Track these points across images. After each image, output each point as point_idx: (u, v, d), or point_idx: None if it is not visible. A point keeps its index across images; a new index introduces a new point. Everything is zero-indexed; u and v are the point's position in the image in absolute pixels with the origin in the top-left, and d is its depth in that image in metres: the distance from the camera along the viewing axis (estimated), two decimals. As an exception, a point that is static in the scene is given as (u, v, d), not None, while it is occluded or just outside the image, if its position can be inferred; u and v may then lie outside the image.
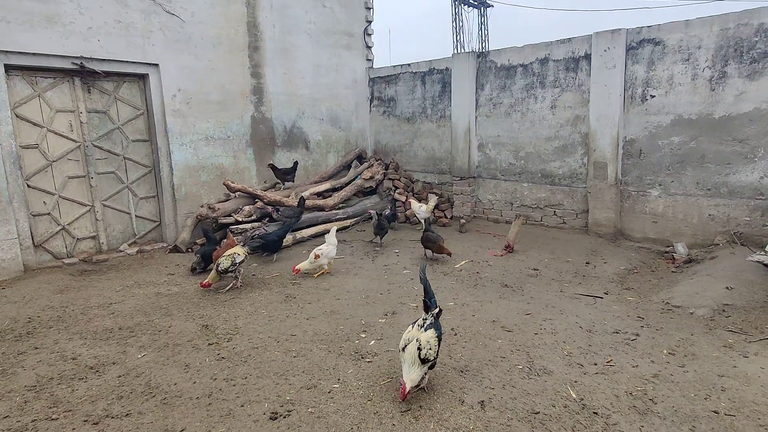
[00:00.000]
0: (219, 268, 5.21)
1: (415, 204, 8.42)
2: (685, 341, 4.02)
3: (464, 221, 8.29)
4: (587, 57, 7.09)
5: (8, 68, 5.92)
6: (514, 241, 6.84)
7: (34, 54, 6.00)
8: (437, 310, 3.44)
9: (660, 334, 4.16)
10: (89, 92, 6.69)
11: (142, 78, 7.13)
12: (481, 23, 29.83)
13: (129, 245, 7.22)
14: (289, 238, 7.38)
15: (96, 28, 6.43)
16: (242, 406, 3.21)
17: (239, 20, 7.96)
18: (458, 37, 27.32)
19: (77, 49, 6.30)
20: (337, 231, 6.71)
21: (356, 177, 9.35)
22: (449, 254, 6.34)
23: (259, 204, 7.57)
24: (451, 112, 8.84)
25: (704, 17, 6.09)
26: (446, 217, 8.83)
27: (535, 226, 7.98)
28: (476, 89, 8.49)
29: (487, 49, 30.81)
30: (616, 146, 6.91)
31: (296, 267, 5.82)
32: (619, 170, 6.99)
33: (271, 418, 3.07)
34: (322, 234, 7.87)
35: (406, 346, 3.24)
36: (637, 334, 4.16)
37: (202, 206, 7.28)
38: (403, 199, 9.13)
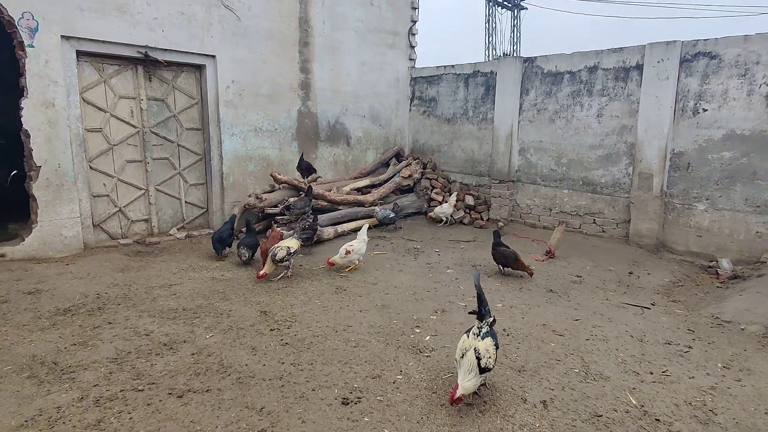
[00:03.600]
0: (275, 258, 5.40)
1: (436, 208, 8.70)
2: (739, 356, 4.06)
3: (502, 224, 8.36)
4: (638, 67, 7.09)
5: (79, 54, 6.18)
6: (555, 247, 6.90)
7: (103, 41, 6.25)
8: (492, 318, 3.49)
9: (712, 348, 4.21)
10: (150, 80, 6.93)
11: (199, 68, 7.36)
12: (514, 25, 29.65)
13: (178, 230, 7.47)
14: (330, 231, 7.55)
15: (161, 18, 6.66)
16: (313, 390, 3.38)
17: (292, 15, 8.13)
18: (491, 39, 27.21)
19: (142, 39, 6.54)
20: (372, 228, 6.75)
21: (395, 175, 9.48)
22: (530, 273, 5.83)
23: (303, 196, 7.75)
24: (493, 115, 8.90)
25: (765, 33, 6.05)
26: (482, 219, 8.91)
27: (573, 233, 8.01)
28: (521, 94, 8.53)
29: (518, 52, 30.60)
30: (664, 158, 6.91)
31: (330, 260, 5.95)
32: (665, 182, 6.99)
33: (343, 403, 3.22)
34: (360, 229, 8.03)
35: (464, 354, 3.22)
36: (690, 347, 4.21)
37: (249, 195, 7.49)
38: (440, 199, 9.25)
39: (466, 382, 3.13)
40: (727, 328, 4.63)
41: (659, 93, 6.83)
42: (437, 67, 9.87)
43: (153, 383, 3.38)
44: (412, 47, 10.21)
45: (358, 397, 3.30)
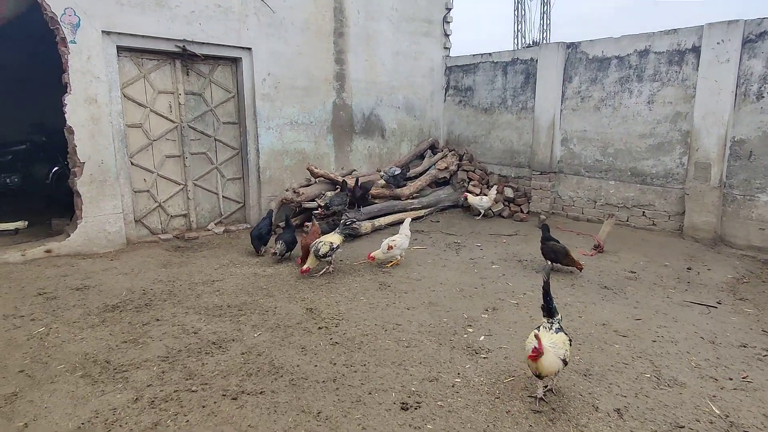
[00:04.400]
0: (318, 253, 5.28)
1: (473, 198, 8.40)
2: (826, 361, 3.72)
3: (543, 217, 8.05)
4: (695, 50, 6.65)
5: (120, 50, 6.17)
6: (604, 241, 6.57)
7: (143, 36, 6.22)
8: (559, 316, 3.33)
9: (794, 352, 3.88)
10: (187, 75, 6.89)
11: (235, 62, 7.28)
12: (543, 12, 28.78)
13: (215, 224, 7.46)
14: (368, 225, 7.41)
15: (198, 11, 6.59)
16: (369, 393, 3.23)
17: (327, 5, 7.96)
18: (520, 27, 26.48)
19: (180, 32, 6.49)
20: (411, 221, 6.59)
21: (430, 167, 9.26)
22: (580, 269, 5.55)
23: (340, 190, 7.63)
24: (534, 104, 8.56)
25: (843, 8, 5.55)
26: (523, 212, 8.61)
27: (620, 226, 7.64)
28: (563, 81, 8.16)
29: (548, 40, 29.69)
30: (723, 146, 6.48)
31: (371, 254, 5.79)
32: (724, 172, 6.56)
33: (402, 409, 3.07)
34: (398, 223, 7.85)
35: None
36: (768, 350, 3.90)
37: (287, 190, 7.41)
38: (478, 191, 8.97)
39: (554, 352, 2.99)
40: (806, 329, 4.27)
41: (719, 77, 6.39)
42: (473, 55, 9.56)
43: (206, 384, 3.30)
44: (447, 35, 9.92)
45: (417, 402, 3.14)
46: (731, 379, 3.46)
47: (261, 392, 3.22)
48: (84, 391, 3.19)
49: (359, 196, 7.42)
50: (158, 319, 4.29)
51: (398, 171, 8.18)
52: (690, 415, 3.04)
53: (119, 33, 6.05)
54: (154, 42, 6.35)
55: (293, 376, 3.42)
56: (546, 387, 3.21)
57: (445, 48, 9.96)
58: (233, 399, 3.13)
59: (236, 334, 4.06)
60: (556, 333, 3.20)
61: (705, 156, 6.63)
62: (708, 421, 2.99)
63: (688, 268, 5.91)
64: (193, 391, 3.21)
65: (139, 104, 6.54)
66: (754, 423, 2.97)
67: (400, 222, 7.72)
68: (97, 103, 5.93)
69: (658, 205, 7.32)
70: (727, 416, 3.04)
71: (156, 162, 6.81)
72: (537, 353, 2.93)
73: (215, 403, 3.09)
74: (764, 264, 6.09)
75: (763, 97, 6.16)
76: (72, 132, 5.84)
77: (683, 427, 2.93)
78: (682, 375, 3.52)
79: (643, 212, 7.50)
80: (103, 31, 5.90)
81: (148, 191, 6.78)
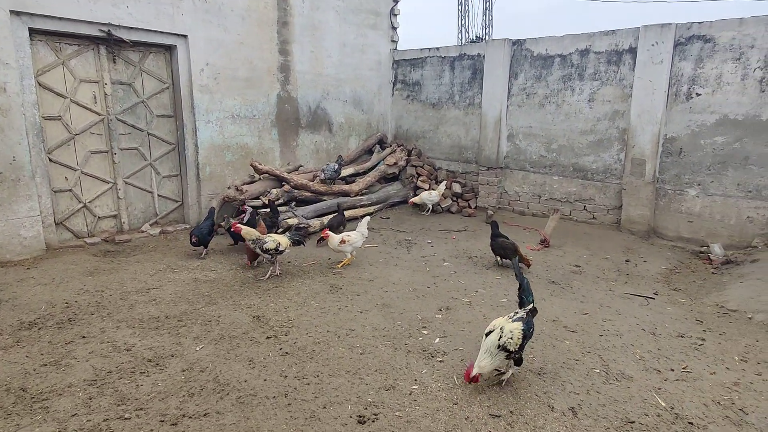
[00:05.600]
0: (264, 246, 5.00)
1: (422, 194, 8.37)
2: (753, 347, 3.99)
3: (491, 212, 8.17)
4: (632, 50, 6.94)
5: (32, 32, 5.50)
6: (550, 236, 6.75)
7: (60, 18, 5.57)
8: (531, 306, 3.35)
9: (725, 339, 4.13)
10: (114, 62, 6.28)
11: (169, 49, 6.73)
12: (486, 8, 29.39)
13: (151, 225, 6.91)
14: (316, 223, 7.16)
15: (125, -7, 6.01)
16: (324, 407, 3.06)
17: (269, -8, 7.56)
18: (463, 22, 26.87)
19: (105, 15, 5.88)
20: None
21: (379, 162, 9.12)
22: (528, 265, 5.66)
23: (286, 187, 7.33)
24: (481, 99, 8.63)
25: (760, 16, 5.97)
26: (471, 207, 8.70)
27: (563, 221, 7.89)
28: (509, 78, 8.29)
29: (490, 36, 30.36)
30: (657, 143, 6.83)
31: (325, 233, 5.63)
32: (657, 168, 6.92)
33: (359, 422, 2.92)
34: (348, 220, 7.67)
35: (490, 332, 3.25)
36: (703, 339, 4.11)
37: (229, 187, 7.00)
38: (426, 187, 8.96)
39: (482, 361, 3.14)
40: (734, 317, 4.57)
41: (653, 77, 6.71)
42: (421, 49, 9.49)
43: (141, 409, 2.98)
44: (394, 28, 9.78)
45: (374, 414, 3.00)
46: (673, 370, 3.61)
47: (205, 414, 2.95)
48: (-7, 426, 2.78)
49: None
50: (84, 336, 3.86)
51: (337, 166, 7.97)
52: (639, 410, 3.13)
53: (31, 14, 5.37)
54: (73, 25, 5.71)
55: (240, 393, 3.17)
56: (486, 376, 3.30)
57: (393, 41, 9.83)
58: (173, 425, 2.84)
59: (176, 348, 3.73)
60: (513, 322, 3.27)
61: (640, 153, 6.97)
62: (656, 414, 3.08)
63: (626, 261, 6.19)
64: (126, 418, 2.89)
65: (58, 94, 5.87)
66: (696, 413, 3.10)
67: (351, 219, 7.58)
68: (6, 93, 5.26)
69: (598, 200, 7.63)
70: (672, 408, 3.15)
71: (79, 158, 6.17)
72: (468, 377, 3.16)
73: (152, 431, 2.79)
74: (692, 255, 6.51)
75: (692, 97, 6.54)
76: (-24, 125, 5.14)
77: (633, 422, 3.00)
78: (628, 368, 3.62)
79: (584, 206, 7.79)
80: (11, 11, 5.21)
81: (70, 191, 6.14)
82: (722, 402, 3.22)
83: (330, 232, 5.64)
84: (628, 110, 7.04)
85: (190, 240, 5.77)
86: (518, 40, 8.17)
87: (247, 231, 5.19)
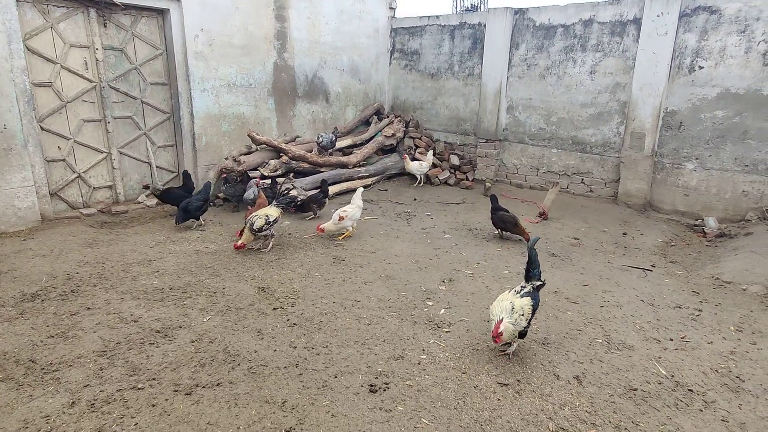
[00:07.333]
0: (253, 227, 4.96)
1: (413, 164, 8.33)
2: (748, 318, 4.10)
3: (489, 185, 8.17)
4: (636, 21, 6.83)
5: (18, -7, 5.24)
6: (548, 209, 6.79)
7: (46, -22, 5.31)
8: (539, 282, 3.38)
9: (720, 310, 4.24)
10: (105, 26, 6.03)
11: (162, 13, 6.47)
12: (482, -26, 28.54)
13: (147, 196, 6.80)
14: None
15: (114, -48, 5.71)
16: (335, 377, 3.10)
17: (264, -46, 7.25)
18: (459, -12, 26.09)
19: (94, -24, 5.62)
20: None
21: (377, 133, 9.01)
22: (528, 238, 5.55)
23: (284, 158, 7.23)
24: (481, 70, 8.50)
25: (768, -13, 5.88)
26: (468, 180, 8.69)
27: (561, 194, 7.91)
28: (510, 48, 8.14)
29: (485, 5, 29.64)
30: (657, 117, 6.82)
31: (320, 226, 5.60)
32: (656, 141, 6.93)
33: (371, 391, 2.98)
34: (346, 192, 7.65)
35: (500, 302, 3.31)
36: (700, 310, 4.22)
37: (226, 158, 6.88)
38: (425, 158, 8.89)
39: (508, 323, 3.14)
40: (729, 288, 4.68)
41: (657, 49, 6.63)
42: (420, 17, 9.25)
43: (153, 379, 3.00)
44: (393, -5, 9.49)
45: (385, 383, 3.06)
46: (672, 340, 3.72)
47: (218, 384, 2.98)
48: (7, 397, 2.78)
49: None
50: (89, 308, 3.84)
51: (334, 137, 7.88)
52: (641, 377, 3.22)
53: (16, -28, 5.11)
54: (61, -15, 5.45)
55: (251, 364, 3.20)
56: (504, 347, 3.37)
57: (391, 8, 9.55)
58: (187, 394, 2.87)
59: (183, 320, 3.74)
60: (521, 298, 3.30)
61: (640, 126, 6.96)
62: (657, 382, 3.19)
63: (623, 233, 6.27)
64: (139, 388, 2.91)
65: (48, 59, 5.65)
66: (696, 381, 3.20)
67: (349, 191, 7.54)
68: (-7, 57, 5.05)
69: (596, 173, 7.66)
70: (673, 376, 3.25)
71: (72, 127, 6.00)
72: (495, 334, 3.15)
73: (167, 400, 2.82)
74: (687, 228, 6.61)
75: (695, 70, 6.50)
76: (-37, 91, 4.95)
77: (636, 389, 3.10)
78: (629, 338, 3.72)
79: (582, 179, 7.82)
80: (-6, -30, 4.95)
81: (64, 160, 5.99)
82: (720, 370, 3.33)
83: (324, 225, 5.56)
84: (630, 83, 6.99)
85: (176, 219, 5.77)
86: (520, 9, 7.98)
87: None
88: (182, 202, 5.79)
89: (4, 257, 4.75)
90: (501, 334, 3.11)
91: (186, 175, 6.48)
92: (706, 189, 6.66)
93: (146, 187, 6.29)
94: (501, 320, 3.15)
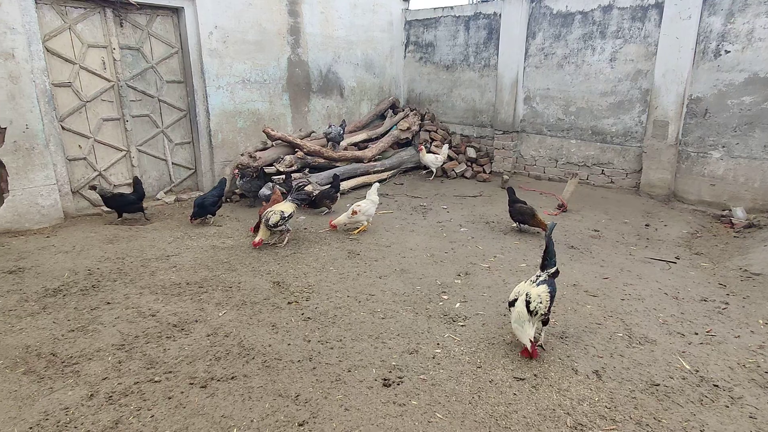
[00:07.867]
0: (269, 223, 4.97)
1: (428, 156, 8.28)
2: (778, 311, 3.94)
3: (507, 177, 8.04)
4: (658, 5, 6.59)
5: (37, -5, 5.34)
6: (567, 201, 6.65)
7: (64, -21, 5.40)
8: (554, 269, 3.32)
9: (749, 303, 4.08)
10: (121, 26, 6.12)
11: (177, 12, 6.53)
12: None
13: (165, 193, 6.91)
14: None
15: (129, -49, 5.78)
16: (349, 371, 3.09)
17: (276, -51, 7.24)
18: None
19: (109, -24, 5.69)
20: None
21: (392, 127, 8.96)
22: (544, 228, 5.45)
23: (299, 154, 7.24)
24: (497, 61, 8.35)
25: (799, -35, 5.60)
26: (485, 172, 8.57)
27: (581, 185, 7.74)
28: (527, 37, 7.97)
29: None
30: (681, 104, 6.59)
31: (333, 222, 5.59)
32: (680, 130, 6.71)
33: (384, 385, 2.95)
34: (362, 186, 7.63)
35: (515, 300, 3.26)
36: (727, 303, 4.07)
37: (242, 154, 6.93)
38: (440, 151, 8.80)
39: (527, 331, 3.14)
40: (758, 281, 4.50)
41: (680, 34, 6.40)
42: (434, 9, 9.13)
43: (170, 372, 3.04)
44: (406, -14, 9.39)
45: (399, 377, 3.03)
46: (697, 334, 3.59)
47: (232, 377, 3.00)
48: (29, 389, 2.85)
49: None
50: (109, 303, 3.91)
51: (341, 130, 7.84)
52: (663, 372, 3.12)
53: (35, -25, 5.21)
54: (78, -13, 5.54)
55: (266, 358, 3.21)
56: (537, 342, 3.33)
57: (404, 0, 9.45)
58: (202, 387, 2.89)
59: (199, 314, 3.77)
60: (537, 286, 3.26)
61: (663, 114, 6.74)
62: (680, 377, 3.08)
63: (646, 225, 6.10)
64: (156, 381, 2.94)
65: (67, 60, 5.76)
66: (722, 376, 3.09)
67: (365, 185, 7.52)
68: (15, 59, 5.16)
69: (616, 164, 7.46)
70: (697, 371, 3.14)
71: (92, 126, 6.11)
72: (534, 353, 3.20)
73: (182, 393, 2.84)
74: (714, 218, 6.38)
75: (721, 54, 6.25)
76: (-13, 93, 5.08)
77: (659, 384, 3.00)
78: (651, 332, 3.61)
79: (602, 170, 7.63)
80: (14, -27, 5.05)
81: (84, 159, 6.12)
82: (747, 365, 3.21)
83: (336, 220, 5.56)
84: (652, 69, 6.77)
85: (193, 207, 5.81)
86: (537, -4, 7.80)
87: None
88: (197, 198, 5.86)
89: (28, 254, 4.88)
90: (533, 347, 3.16)
91: (137, 182, 6.01)
92: (734, 178, 6.41)
93: (93, 188, 5.76)
94: (525, 346, 3.18)
